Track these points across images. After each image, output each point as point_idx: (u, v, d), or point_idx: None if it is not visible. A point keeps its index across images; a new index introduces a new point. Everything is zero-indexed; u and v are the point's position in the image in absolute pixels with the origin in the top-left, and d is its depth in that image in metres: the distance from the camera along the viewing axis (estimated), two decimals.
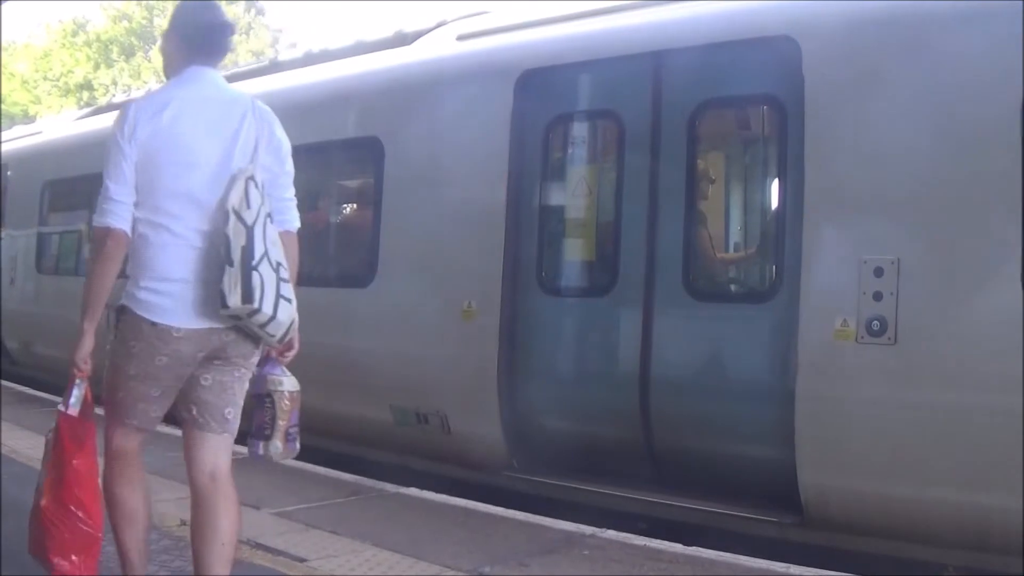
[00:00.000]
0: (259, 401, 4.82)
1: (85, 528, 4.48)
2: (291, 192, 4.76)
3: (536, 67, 8.30)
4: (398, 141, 9.18)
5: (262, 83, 11.51)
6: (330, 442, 9.64)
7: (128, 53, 50.68)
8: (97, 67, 50.19)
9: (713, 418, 7.28)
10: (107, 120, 13.56)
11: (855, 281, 6.41)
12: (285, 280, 4.41)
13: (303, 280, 10.05)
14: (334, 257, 10.53)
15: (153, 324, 4.32)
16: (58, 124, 16.93)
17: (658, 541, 6.85)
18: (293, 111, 10.01)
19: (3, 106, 43.34)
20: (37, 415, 11.28)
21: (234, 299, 4.19)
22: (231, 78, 12.13)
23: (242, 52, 48.56)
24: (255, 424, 4.86)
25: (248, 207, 4.30)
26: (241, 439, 4.82)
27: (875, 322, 6.32)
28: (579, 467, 8.00)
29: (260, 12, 53.80)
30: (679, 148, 7.51)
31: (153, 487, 7.64)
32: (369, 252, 9.29)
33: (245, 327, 4.43)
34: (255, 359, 4.69)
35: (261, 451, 4.87)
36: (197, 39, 4.67)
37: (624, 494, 7.59)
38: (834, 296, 6.54)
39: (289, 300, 4.41)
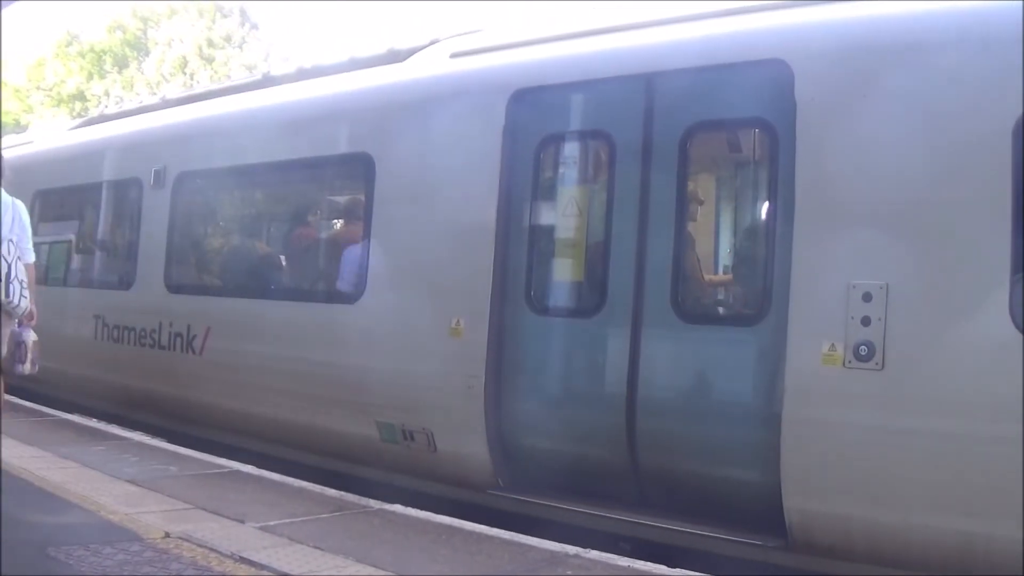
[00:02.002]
0: (18, 346, 8.75)
1: None
2: (31, 244, 8.68)
3: (528, 86, 8.35)
4: (389, 157, 9.21)
5: (255, 97, 11.56)
6: (315, 457, 9.66)
7: (121, 64, 50.81)
8: (90, 77, 50.22)
9: (699, 440, 7.29)
10: (98, 131, 13.67)
11: (843, 306, 6.44)
12: (25, 288, 8.32)
13: (290, 295, 10.23)
14: (323, 272, 10.59)
15: None
16: (49, 134, 16.94)
17: (642, 562, 6.84)
18: (285, 126, 10.14)
19: None
20: (25, 425, 11.36)
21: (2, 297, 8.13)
22: (226, 91, 12.27)
23: (235, 66, 48.76)
24: (16, 358, 8.77)
25: (8, 254, 8.15)
26: None
27: (863, 347, 6.35)
28: (565, 487, 7.99)
29: (254, 26, 53.88)
30: (670, 170, 7.52)
31: (139, 498, 7.70)
32: (358, 268, 9.32)
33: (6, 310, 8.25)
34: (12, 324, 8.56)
35: (19, 370, 8.81)
36: None
37: (609, 515, 7.58)
38: (822, 320, 6.56)
39: (26, 297, 8.31)
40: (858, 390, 6.40)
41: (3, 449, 8.99)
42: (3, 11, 13.62)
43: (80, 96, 49.41)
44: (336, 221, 10.74)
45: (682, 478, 7.40)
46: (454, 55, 9.43)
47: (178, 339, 11.17)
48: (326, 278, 10.46)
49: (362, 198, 9.53)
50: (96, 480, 8.57)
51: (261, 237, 11.84)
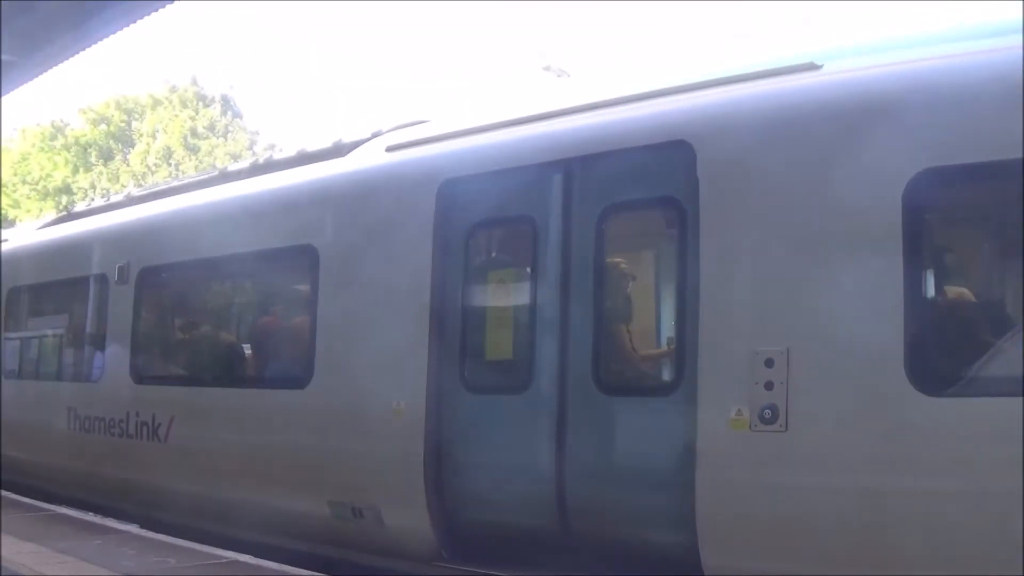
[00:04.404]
0: None
1: None
2: None
3: (456, 176, 8.81)
4: (332, 249, 9.70)
5: (210, 193, 12.06)
6: (271, 536, 9.98)
7: (106, 156, 51.14)
8: (76, 171, 50.48)
9: (624, 505, 7.61)
10: (66, 229, 14.13)
11: (748, 372, 6.79)
12: None
13: (245, 382, 10.61)
14: (274, 360, 11.04)
15: None
16: (20, 233, 17.44)
17: None
18: (237, 220, 10.59)
19: None
20: (21, 520, 11.51)
21: None
22: (185, 188, 12.73)
23: (220, 155, 48.83)
24: None
25: None
26: None
27: (767, 411, 6.67)
28: (506, 555, 8.30)
29: (237, 115, 54.27)
30: (588, 250, 7.95)
31: None
32: (307, 355, 9.75)
33: None
34: None
35: None
36: None
37: None
38: (729, 386, 6.90)
39: None
40: (764, 452, 6.73)
41: (1, 545, 9.17)
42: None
43: (67, 189, 49.59)
44: (285, 310, 11.17)
45: (611, 543, 7.70)
46: (389, 148, 9.89)
47: (144, 428, 11.55)
48: (278, 365, 10.91)
49: (309, 288, 10.00)
50: (94, 575, 8.66)
51: (217, 328, 12.27)
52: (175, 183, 14.59)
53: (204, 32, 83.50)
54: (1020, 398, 5.96)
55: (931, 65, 6.75)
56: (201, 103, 52.83)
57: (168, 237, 12.15)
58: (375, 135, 10.59)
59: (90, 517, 12.17)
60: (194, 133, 51.32)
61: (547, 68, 29.99)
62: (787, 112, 7.19)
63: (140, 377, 12.12)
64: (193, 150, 50.52)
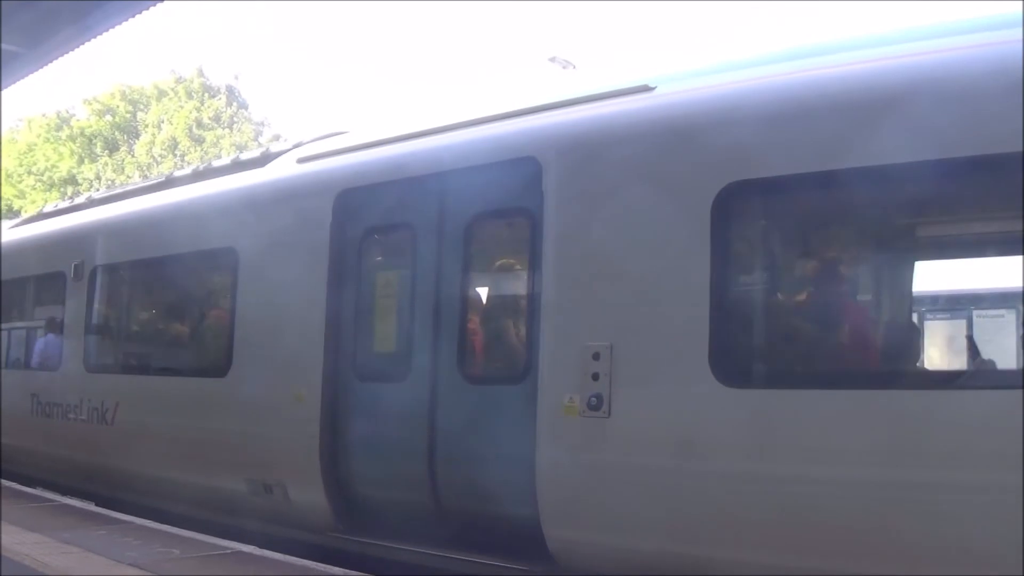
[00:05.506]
0: None
1: None
2: None
3: (350, 187, 9.85)
4: (249, 251, 10.81)
5: (156, 197, 13.14)
6: (196, 510, 11.09)
7: (112, 147, 51.91)
8: (81, 161, 51.35)
9: (482, 483, 8.55)
10: (33, 229, 15.18)
11: (580, 364, 7.67)
12: None
13: (176, 371, 11.65)
14: (201, 351, 12.17)
15: None
16: None
17: None
18: (173, 223, 11.67)
19: None
20: (25, 510, 11.87)
21: None
22: (137, 192, 13.74)
23: (225, 146, 49.24)
24: None
25: None
26: None
27: (593, 398, 7.53)
28: (391, 528, 9.25)
29: (243, 105, 54.78)
30: (457, 255, 8.95)
31: None
32: (227, 347, 10.88)
33: None
34: None
35: None
36: None
37: (416, 550, 8.85)
38: (564, 376, 7.79)
39: None
40: (591, 435, 7.61)
41: (5, 535, 9.68)
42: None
43: (72, 180, 50.44)
44: (211, 307, 12.25)
45: (474, 517, 8.70)
46: (299, 160, 10.98)
47: (95, 412, 12.70)
48: (204, 355, 12.03)
49: (230, 286, 11.11)
50: (99, 565, 8.74)
51: (155, 321, 13.49)
52: (130, 187, 15.62)
53: (210, 22, 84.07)
54: (810, 391, 6.90)
55: (738, 88, 7.65)
56: (207, 94, 53.19)
57: (116, 238, 13.40)
58: (295, 146, 11.65)
59: (92, 508, 12.69)
60: (199, 124, 51.75)
61: (552, 60, 30.50)
62: (618, 131, 8.11)
63: (92, 367, 13.33)
64: (198, 141, 50.94)
